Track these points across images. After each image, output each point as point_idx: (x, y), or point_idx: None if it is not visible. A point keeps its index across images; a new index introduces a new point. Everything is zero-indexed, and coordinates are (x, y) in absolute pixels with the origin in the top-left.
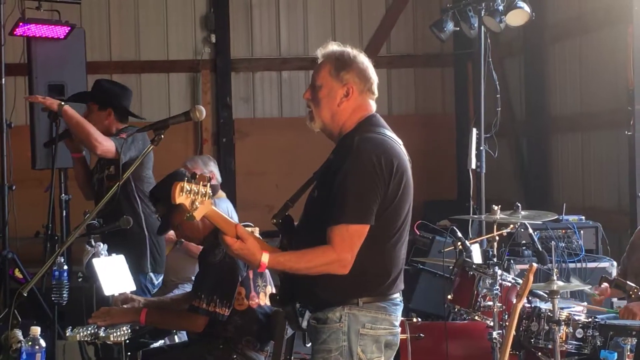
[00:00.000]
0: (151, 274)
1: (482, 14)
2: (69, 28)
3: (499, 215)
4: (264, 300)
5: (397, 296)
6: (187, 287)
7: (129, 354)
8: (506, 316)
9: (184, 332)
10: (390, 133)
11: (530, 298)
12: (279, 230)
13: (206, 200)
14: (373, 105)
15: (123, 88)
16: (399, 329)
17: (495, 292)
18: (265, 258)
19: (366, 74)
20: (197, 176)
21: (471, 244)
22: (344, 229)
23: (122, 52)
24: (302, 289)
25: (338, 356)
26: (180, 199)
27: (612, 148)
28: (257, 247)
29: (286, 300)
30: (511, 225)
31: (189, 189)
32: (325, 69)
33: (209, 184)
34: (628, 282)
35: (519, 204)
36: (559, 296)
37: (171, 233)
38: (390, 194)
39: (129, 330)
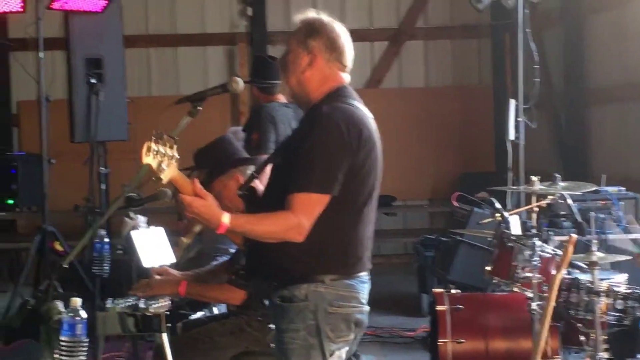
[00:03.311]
0: None
1: None
2: (107, 1)
3: (538, 186)
4: None
5: (365, 274)
6: (225, 259)
7: (168, 325)
8: (545, 287)
9: (223, 305)
10: (359, 105)
11: (569, 269)
12: (245, 201)
13: (173, 162)
14: (346, 78)
15: (263, 62)
16: (368, 308)
17: (534, 263)
18: (226, 218)
19: (335, 43)
20: (164, 137)
21: (510, 215)
22: (306, 196)
23: (158, 25)
24: (268, 262)
25: (306, 335)
26: (148, 159)
27: None
28: (217, 206)
29: (250, 274)
30: (550, 197)
31: (156, 149)
32: (295, 35)
33: (175, 146)
34: None
35: (558, 175)
36: (599, 267)
37: None
38: (355, 165)
39: (169, 302)
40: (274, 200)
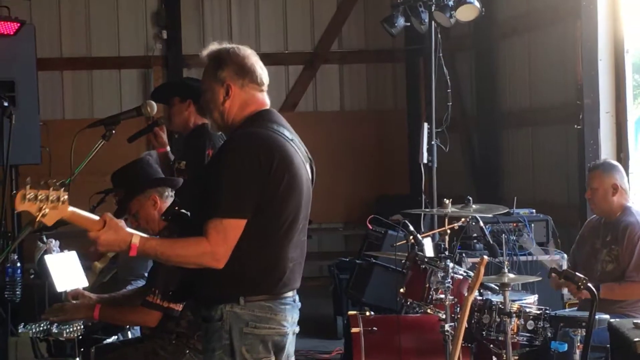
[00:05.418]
0: None
1: (433, 9)
2: (19, 24)
3: (450, 209)
4: None
5: (289, 295)
6: (140, 284)
7: (81, 350)
8: (458, 309)
9: (137, 328)
10: (278, 127)
11: (481, 291)
12: (174, 226)
13: (59, 204)
14: (265, 99)
15: (197, 82)
16: (289, 329)
17: (447, 285)
18: (136, 239)
19: (245, 67)
20: (47, 182)
21: (423, 237)
22: (218, 222)
23: (73, 48)
24: (193, 283)
25: (222, 355)
26: (23, 206)
27: (561, 142)
28: (126, 231)
29: (177, 297)
30: (462, 219)
31: (32, 195)
32: (206, 73)
33: (62, 189)
34: (577, 274)
35: (470, 198)
36: (509, 288)
37: None
38: (268, 190)
39: (82, 327)
40: (195, 223)
